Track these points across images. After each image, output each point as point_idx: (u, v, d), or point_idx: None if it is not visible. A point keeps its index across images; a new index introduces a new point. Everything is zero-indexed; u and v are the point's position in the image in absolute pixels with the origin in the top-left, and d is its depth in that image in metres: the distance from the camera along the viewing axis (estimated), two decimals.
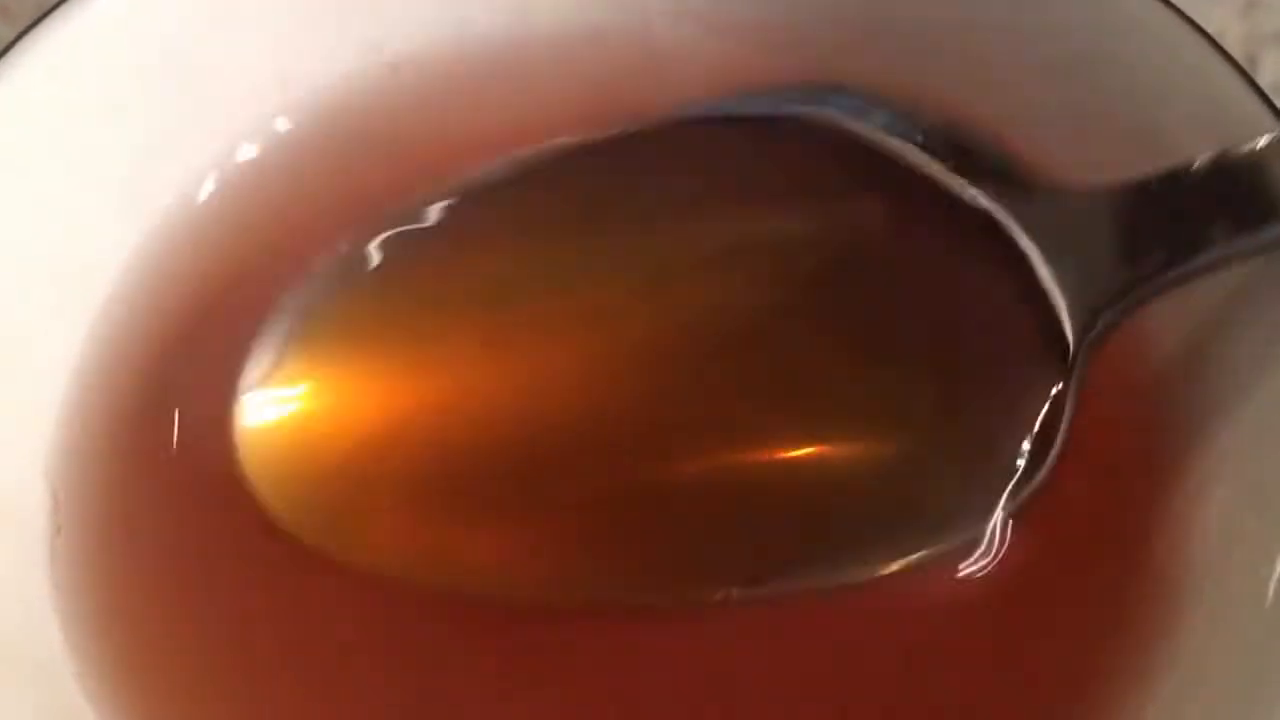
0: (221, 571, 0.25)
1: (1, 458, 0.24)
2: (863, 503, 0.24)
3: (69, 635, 0.24)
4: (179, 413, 0.26)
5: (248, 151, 0.27)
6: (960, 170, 0.24)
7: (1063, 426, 0.23)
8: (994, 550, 0.24)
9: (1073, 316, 0.23)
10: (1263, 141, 0.21)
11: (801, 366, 0.24)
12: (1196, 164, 0.22)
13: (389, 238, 0.25)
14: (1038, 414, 0.23)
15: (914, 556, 0.23)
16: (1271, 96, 0.24)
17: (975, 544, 0.23)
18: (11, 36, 0.24)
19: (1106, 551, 0.24)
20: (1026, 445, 0.23)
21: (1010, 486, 0.23)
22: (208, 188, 0.27)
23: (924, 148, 0.24)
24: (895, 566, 0.23)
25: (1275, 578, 0.22)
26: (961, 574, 0.24)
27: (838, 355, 0.24)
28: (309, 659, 0.24)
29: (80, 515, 0.25)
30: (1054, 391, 0.23)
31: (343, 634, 0.24)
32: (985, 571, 0.24)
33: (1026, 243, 0.23)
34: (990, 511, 0.23)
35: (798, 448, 0.24)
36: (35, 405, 0.25)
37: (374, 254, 0.25)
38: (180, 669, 0.24)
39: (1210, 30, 0.25)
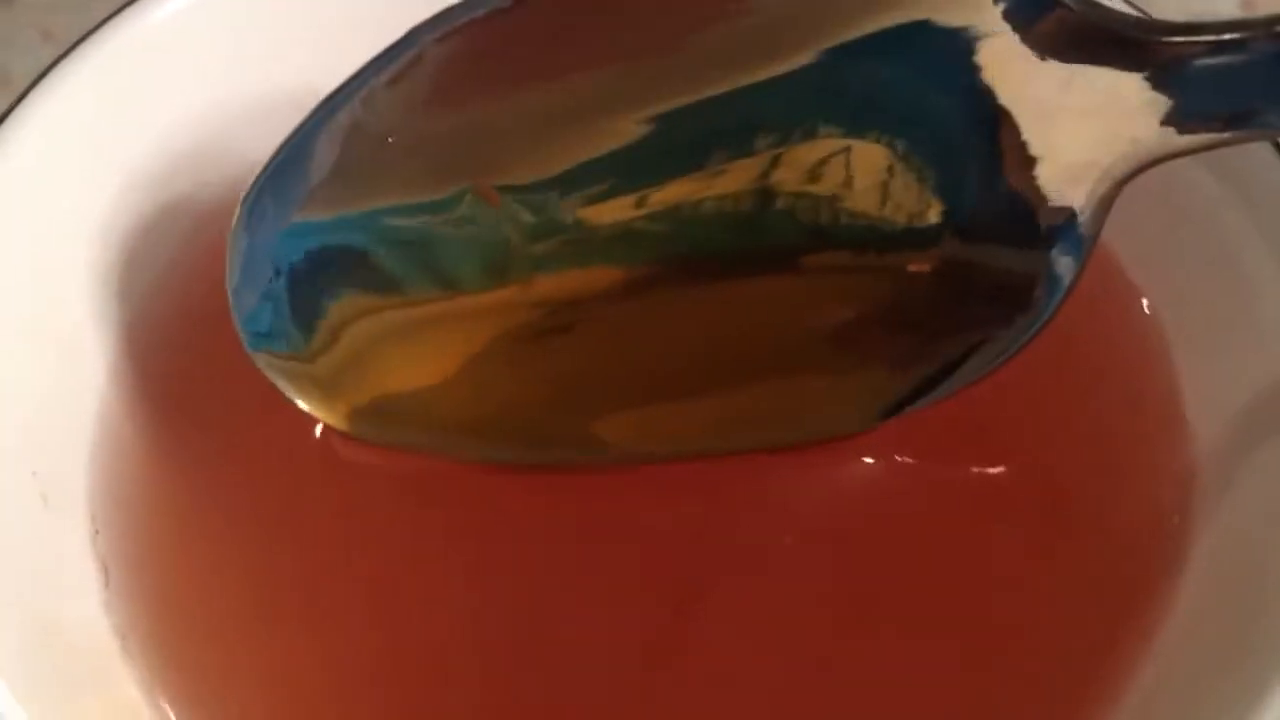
0: (262, 554, 0.25)
1: (44, 436, 0.25)
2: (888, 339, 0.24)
3: (114, 612, 0.24)
4: (221, 394, 0.26)
5: None
6: None
7: (1074, 266, 0.22)
8: None
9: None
10: None
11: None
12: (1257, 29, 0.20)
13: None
14: (1052, 247, 0.22)
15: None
16: None
17: None
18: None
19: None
20: (1040, 286, 0.23)
21: (1023, 325, 0.23)
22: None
23: None
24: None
25: None
26: None
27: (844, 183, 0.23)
28: (358, 642, 0.24)
29: (122, 492, 0.25)
30: (1068, 228, 0.22)
31: (401, 623, 0.24)
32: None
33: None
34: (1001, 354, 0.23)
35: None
36: (78, 390, 0.26)
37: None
38: (222, 649, 0.24)
39: None
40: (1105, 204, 0.22)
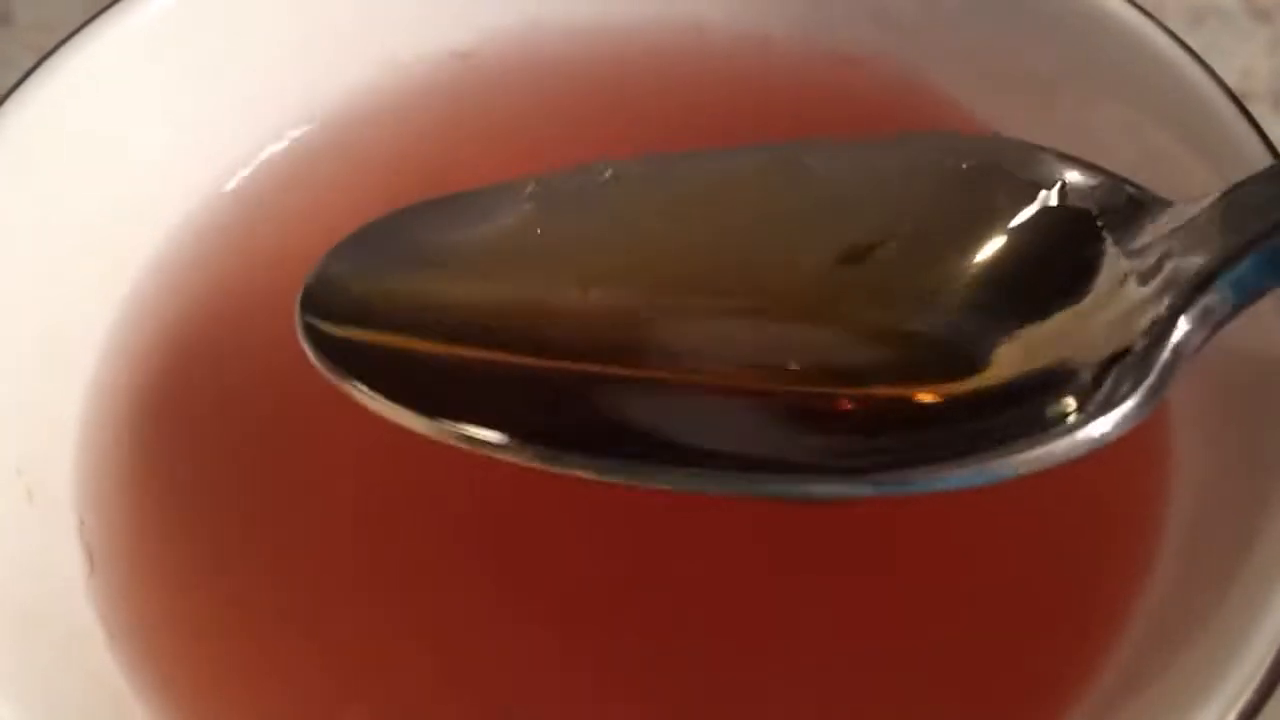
0: (245, 546, 0.25)
1: (30, 433, 0.25)
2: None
3: (98, 603, 0.24)
4: (205, 390, 0.26)
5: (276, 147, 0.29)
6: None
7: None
8: None
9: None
10: None
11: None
12: None
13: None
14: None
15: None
16: None
17: None
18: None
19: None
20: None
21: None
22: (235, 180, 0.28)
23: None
24: None
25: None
26: None
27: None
28: (335, 621, 0.24)
29: (107, 487, 0.25)
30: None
31: (387, 613, 0.24)
32: None
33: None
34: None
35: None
36: (65, 381, 0.26)
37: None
38: (206, 641, 0.24)
39: (1237, 67, 0.25)
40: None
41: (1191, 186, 0.24)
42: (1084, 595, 0.24)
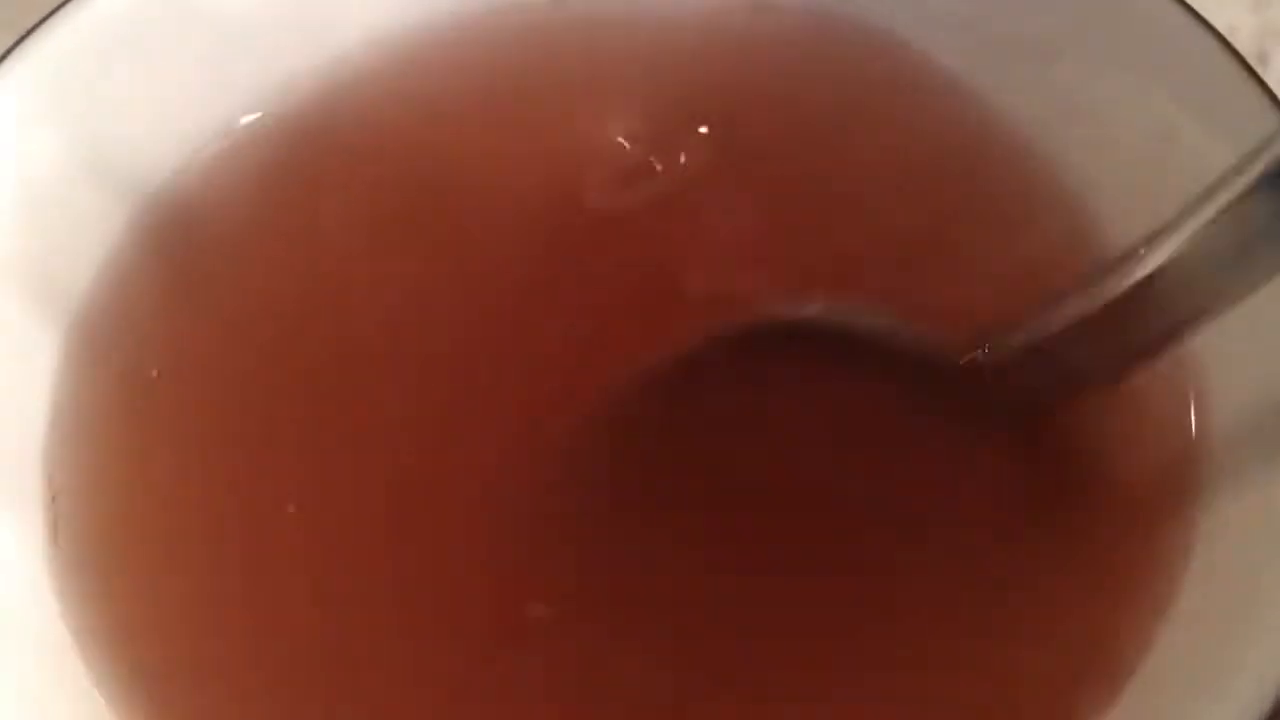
0: (216, 539, 0.25)
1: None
2: None
3: (66, 603, 0.24)
4: (174, 375, 0.26)
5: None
6: None
7: None
8: None
9: None
10: None
11: None
12: None
13: None
14: None
15: None
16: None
17: None
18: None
19: None
20: None
21: None
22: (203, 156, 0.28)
23: None
24: None
25: None
26: None
27: None
28: (304, 613, 0.24)
29: (77, 485, 0.25)
30: None
31: (345, 614, 0.24)
32: None
33: None
34: None
35: None
36: (32, 374, 0.25)
37: None
38: (172, 631, 0.24)
39: (1221, 25, 0.25)
40: None
41: (1202, 159, 0.24)
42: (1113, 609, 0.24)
